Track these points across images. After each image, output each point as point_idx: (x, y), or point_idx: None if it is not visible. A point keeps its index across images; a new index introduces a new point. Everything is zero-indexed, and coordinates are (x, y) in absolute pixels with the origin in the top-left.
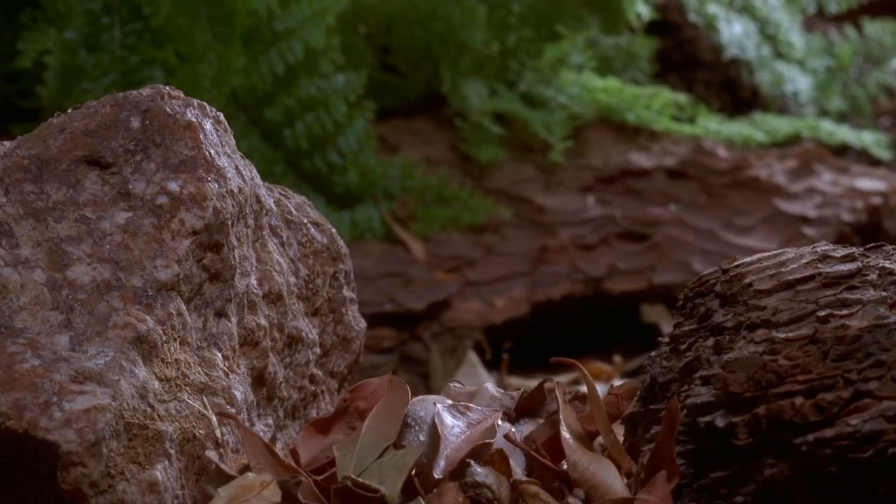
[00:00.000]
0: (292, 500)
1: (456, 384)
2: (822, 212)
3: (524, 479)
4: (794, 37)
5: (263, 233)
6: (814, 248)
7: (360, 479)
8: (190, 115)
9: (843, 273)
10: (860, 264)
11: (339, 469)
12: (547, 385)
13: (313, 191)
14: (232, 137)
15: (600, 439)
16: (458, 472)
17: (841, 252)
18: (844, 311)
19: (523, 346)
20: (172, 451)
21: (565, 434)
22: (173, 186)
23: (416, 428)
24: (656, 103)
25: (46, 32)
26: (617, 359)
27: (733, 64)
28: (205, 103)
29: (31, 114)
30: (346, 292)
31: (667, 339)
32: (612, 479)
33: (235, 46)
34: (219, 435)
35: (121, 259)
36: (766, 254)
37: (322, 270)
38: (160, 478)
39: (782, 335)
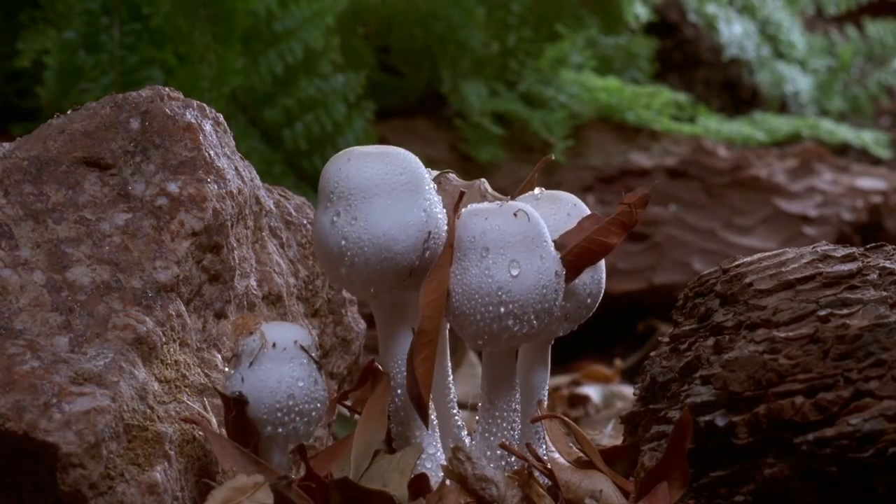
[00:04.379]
0: (284, 502)
1: (451, 175)
2: (823, 211)
3: (536, 477)
4: (795, 37)
5: (263, 234)
6: (814, 247)
7: (363, 485)
8: (189, 117)
9: (843, 273)
10: (860, 264)
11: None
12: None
13: (313, 191)
14: (231, 138)
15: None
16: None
17: (841, 252)
18: (845, 311)
19: None
20: (172, 453)
21: (554, 454)
22: (173, 188)
23: None
24: (656, 103)
25: (45, 32)
26: (617, 362)
27: (733, 64)
28: (204, 104)
29: (30, 113)
30: (346, 293)
31: (667, 339)
32: (605, 488)
33: (235, 47)
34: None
35: (120, 260)
36: (767, 254)
37: (322, 271)
38: (160, 479)
39: (783, 334)
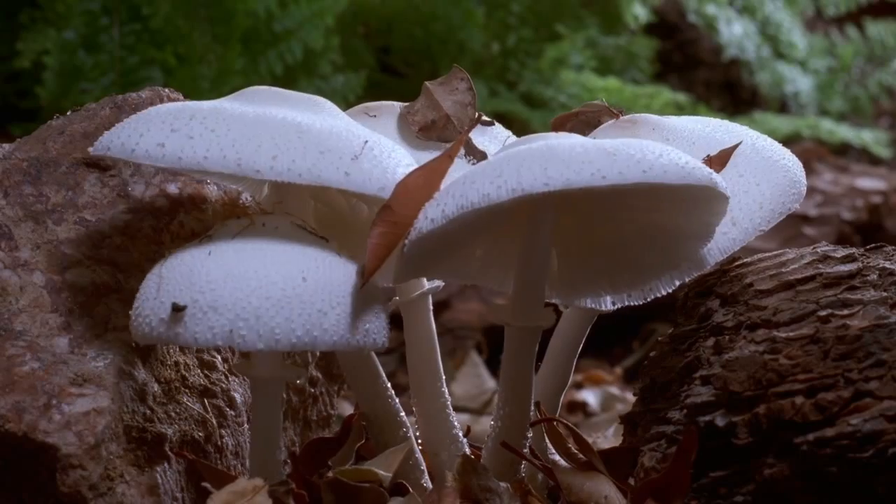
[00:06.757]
0: None
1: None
2: (823, 210)
3: (534, 492)
4: (796, 37)
5: None
6: (814, 248)
7: (349, 469)
8: None
9: (843, 273)
10: (860, 265)
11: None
12: None
13: None
14: None
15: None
16: None
17: (841, 252)
18: (845, 311)
19: None
20: (172, 454)
21: (554, 457)
22: (172, 188)
23: None
24: (656, 103)
25: (45, 33)
26: (617, 370)
27: (733, 64)
28: None
29: (30, 114)
30: None
31: (667, 340)
32: (608, 492)
33: (234, 47)
34: (218, 438)
35: (120, 261)
36: (767, 254)
37: None
38: (160, 480)
39: (783, 335)
